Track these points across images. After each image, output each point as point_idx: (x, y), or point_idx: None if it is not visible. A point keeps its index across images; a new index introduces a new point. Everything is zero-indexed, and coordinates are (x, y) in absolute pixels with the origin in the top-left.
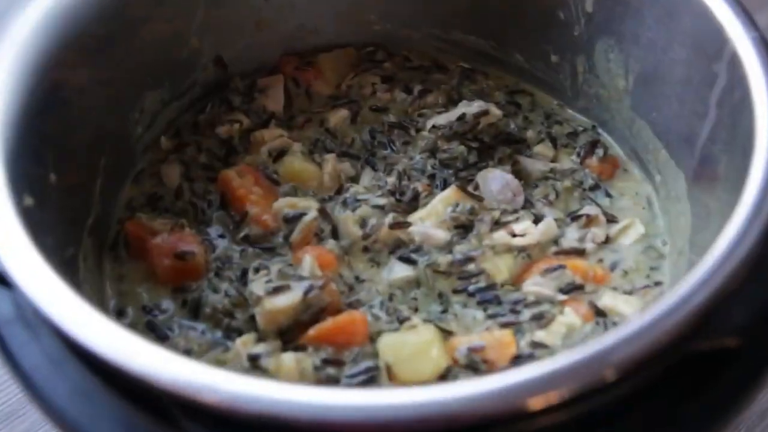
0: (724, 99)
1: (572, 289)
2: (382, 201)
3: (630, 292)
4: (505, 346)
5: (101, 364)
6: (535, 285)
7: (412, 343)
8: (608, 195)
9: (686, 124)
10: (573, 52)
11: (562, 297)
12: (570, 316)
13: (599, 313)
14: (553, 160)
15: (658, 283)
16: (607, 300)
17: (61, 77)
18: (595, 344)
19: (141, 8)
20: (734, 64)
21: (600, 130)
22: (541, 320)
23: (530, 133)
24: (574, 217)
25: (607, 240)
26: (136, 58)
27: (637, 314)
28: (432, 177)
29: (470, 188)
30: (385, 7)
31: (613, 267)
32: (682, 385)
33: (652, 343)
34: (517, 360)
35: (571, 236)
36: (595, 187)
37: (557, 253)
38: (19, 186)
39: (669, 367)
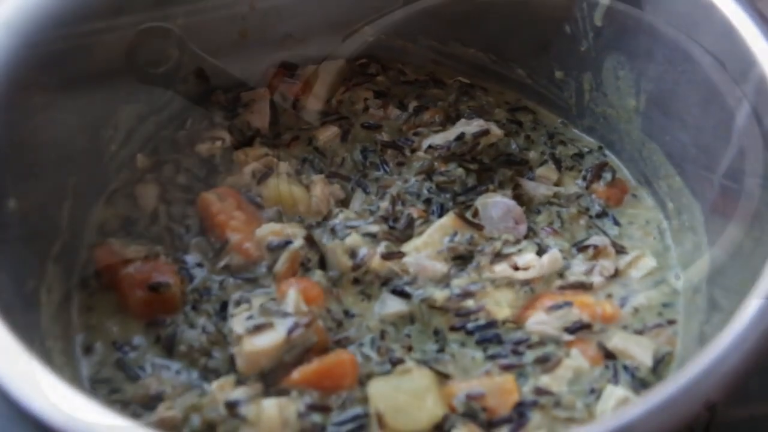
0: (751, 126)
1: (579, 329)
2: (374, 228)
3: (641, 332)
4: (507, 393)
5: None
6: (539, 323)
7: (405, 391)
8: (616, 223)
9: (704, 151)
10: (579, 69)
11: (568, 337)
12: (577, 358)
13: (608, 355)
14: (557, 184)
15: (671, 322)
16: (617, 341)
17: (21, 91)
18: (617, 417)
19: (106, 16)
20: (763, 87)
21: (607, 152)
22: (545, 363)
23: (533, 154)
24: (581, 248)
25: (616, 273)
26: (107, 68)
27: (665, 382)
28: (428, 202)
29: (469, 214)
30: (378, 17)
31: (622, 303)
32: None
33: (682, 413)
34: (520, 407)
35: (578, 269)
36: (602, 214)
37: (562, 288)
38: None
39: None
